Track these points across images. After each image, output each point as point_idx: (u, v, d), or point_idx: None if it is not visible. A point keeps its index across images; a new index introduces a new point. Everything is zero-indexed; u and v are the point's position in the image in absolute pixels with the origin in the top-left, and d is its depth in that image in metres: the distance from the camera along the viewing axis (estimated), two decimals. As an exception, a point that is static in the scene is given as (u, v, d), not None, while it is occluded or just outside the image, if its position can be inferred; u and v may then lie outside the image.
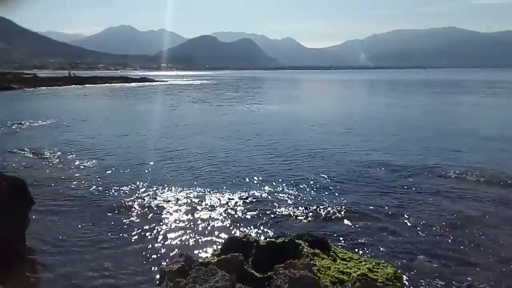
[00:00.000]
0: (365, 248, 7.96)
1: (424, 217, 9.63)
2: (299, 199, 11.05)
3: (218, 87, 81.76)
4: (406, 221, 9.43)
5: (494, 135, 21.47)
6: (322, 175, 13.45)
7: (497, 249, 7.94)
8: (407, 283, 6.46)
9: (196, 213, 9.97)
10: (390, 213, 9.96)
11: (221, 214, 9.91)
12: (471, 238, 8.45)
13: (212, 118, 30.32)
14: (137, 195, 11.38)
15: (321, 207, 10.38)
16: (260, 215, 9.85)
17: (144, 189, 11.95)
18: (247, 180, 12.97)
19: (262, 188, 12.08)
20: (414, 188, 12.02)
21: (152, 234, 8.75)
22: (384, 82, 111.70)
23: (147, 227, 9.08)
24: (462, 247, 8.07)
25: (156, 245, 8.22)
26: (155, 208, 10.31)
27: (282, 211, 10.07)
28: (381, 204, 10.58)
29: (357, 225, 9.16)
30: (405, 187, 12.17)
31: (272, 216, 9.77)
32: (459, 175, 13.37)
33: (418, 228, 8.99)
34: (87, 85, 79.72)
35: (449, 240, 8.38)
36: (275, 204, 10.65)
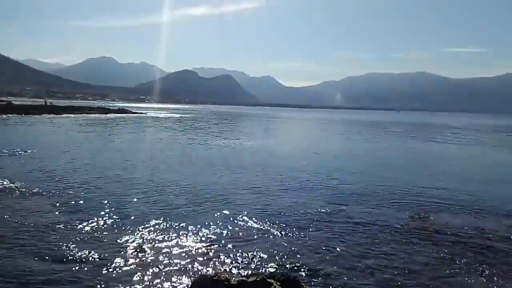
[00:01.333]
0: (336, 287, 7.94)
1: (392, 257, 9.72)
2: (272, 236, 10.99)
3: (196, 121, 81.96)
4: (379, 260, 9.49)
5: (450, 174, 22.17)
6: (295, 212, 13.49)
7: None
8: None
9: (165, 250, 9.76)
10: (363, 252, 10.01)
11: (191, 251, 9.73)
12: (441, 280, 8.57)
13: (187, 152, 30.20)
14: (99, 231, 11.00)
15: (294, 245, 10.35)
16: (233, 252, 9.72)
17: (108, 225, 11.56)
18: (218, 215, 12.86)
19: (234, 224, 11.98)
20: (385, 225, 12.16)
21: (115, 272, 8.44)
22: (357, 122, 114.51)
23: (109, 264, 8.78)
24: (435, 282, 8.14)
25: (125, 282, 7.95)
26: (117, 246, 9.97)
27: (254, 249, 9.98)
28: (354, 242, 10.64)
29: (330, 264, 9.15)
30: (377, 224, 12.31)
31: (245, 253, 9.66)
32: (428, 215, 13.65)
33: (386, 268, 9.05)
34: (63, 114, 78.46)
35: (421, 280, 8.45)
36: (248, 241, 10.57)
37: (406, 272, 8.92)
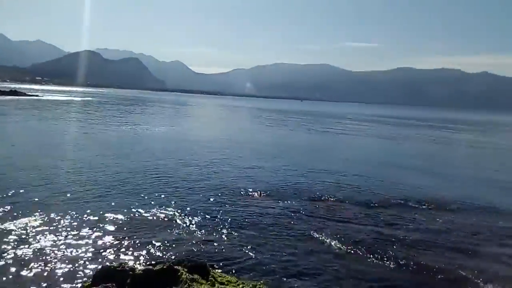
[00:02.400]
0: (244, 271, 8.16)
1: (293, 241, 10.28)
2: (179, 223, 10.89)
3: (101, 105, 77.10)
4: (278, 244, 9.95)
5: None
6: (202, 198, 13.52)
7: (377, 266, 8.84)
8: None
9: (65, 240, 9.13)
10: (267, 235, 10.41)
11: (94, 242, 9.24)
12: (337, 258, 9.27)
13: (91, 138, 28.36)
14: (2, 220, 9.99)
15: (202, 231, 10.39)
16: (139, 241, 9.44)
17: (9, 212, 10.56)
18: (123, 202, 12.37)
19: (139, 213, 11.62)
20: (287, 210, 12.78)
21: (17, 264, 7.72)
22: (265, 110, 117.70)
23: (12, 257, 8.00)
24: (327, 268, 8.78)
25: (22, 277, 7.28)
26: (21, 236, 9.15)
27: (162, 236, 9.80)
28: (260, 226, 11.01)
29: (237, 248, 9.36)
30: (280, 207, 12.88)
31: (152, 241, 9.43)
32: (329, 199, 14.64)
33: (291, 251, 9.55)
34: None
35: (318, 262, 9.06)
36: (155, 229, 10.34)
37: (315, 253, 9.50)
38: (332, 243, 10.16)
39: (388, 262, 9.16)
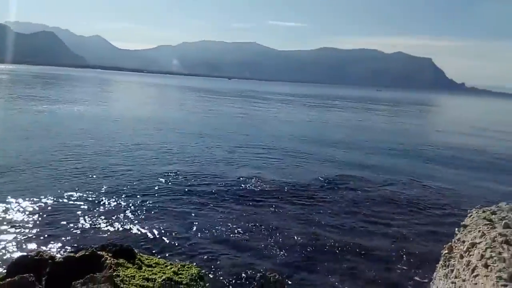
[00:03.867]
0: (172, 252, 8.09)
1: (220, 221, 10.38)
2: (103, 208, 10.44)
3: (12, 83, 70.25)
4: (207, 224, 9.99)
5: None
6: (125, 182, 13.05)
7: (290, 239, 9.17)
8: (210, 281, 6.83)
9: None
10: (194, 214, 10.38)
11: (9, 230, 8.53)
12: (266, 235, 9.53)
13: (3, 119, 25.88)
14: None
15: (127, 214, 10.07)
16: (59, 228, 8.89)
17: None
18: (41, 187, 11.53)
19: (58, 196, 10.92)
20: (208, 191, 12.84)
21: None
22: (194, 89, 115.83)
23: None
24: (255, 246, 8.99)
25: None
26: None
27: (85, 222, 9.33)
28: (186, 209, 10.93)
29: (164, 231, 9.21)
30: (203, 186, 12.89)
31: (74, 228, 8.95)
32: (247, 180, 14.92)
33: (218, 230, 9.63)
34: None
35: (246, 240, 9.24)
36: (77, 214, 9.80)
37: (239, 230, 9.64)
38: (266, 223, 10.38)
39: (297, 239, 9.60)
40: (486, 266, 2.94)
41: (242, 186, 13.46)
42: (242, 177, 14.60)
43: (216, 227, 9.66)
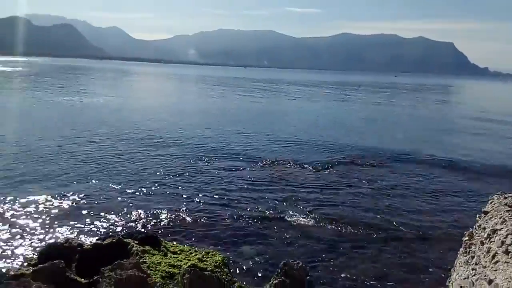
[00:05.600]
0: (196, 239, 8.29)
1: (243, 209, 10.52)
2: (128, 197, 10.72)
3: (36, 76, 71.66)
4: (230, 212, 10.15)
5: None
6: (150, 171, 13.33)
7: (313, 227, 9.27)
8: (233, 268, 6.99)
9: (7, 223, 8.69)
10: (217, 204, 10.56)
11: (39, 219, 8.87)
12: (285, 225, 9.64)
13: (27, 110, 26.57)
14: None
15: (152, 202, 10.33)
16: (87, 217, 9.20)
17: None
18: (68, 177, 11.90)
19: (86, 186, 11.26)
20: (237, 178, 12.98)
21: None
22: (210, 78, 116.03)
23: None
24: (277, 233, 9.10)
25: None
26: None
27: (111, 210, 9.62)
28: (209, 196, 11.12)
29: (188, 219, 9.42)
30: (229, 174, 13.05)
31: (101, 217, 9.24)
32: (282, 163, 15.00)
33: (241, 218, 9.78)
34: None
35: (269, 228, 9.37)
36: (103, 204, 10.10)
37: (259, 221, 9.78)
38: (287, 210, 10.49)
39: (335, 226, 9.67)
40: (507, 252, 2.97)
41: (267, 176, 13.57)
42: (269, 165, 14.72)
43: (241, 215, 9.81)
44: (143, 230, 8.14)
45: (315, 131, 23.52)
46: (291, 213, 10.12)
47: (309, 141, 20.17)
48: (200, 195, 11.14)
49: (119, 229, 8.55)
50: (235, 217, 9.72)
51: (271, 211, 10.21)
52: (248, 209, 10.28)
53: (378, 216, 10.24)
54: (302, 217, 9.85)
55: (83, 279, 4.79)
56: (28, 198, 10.05)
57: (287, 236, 8.79)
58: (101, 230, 8.55)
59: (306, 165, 15.00)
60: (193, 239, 8.34)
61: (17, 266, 6.44)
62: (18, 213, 9.15)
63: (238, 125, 24.74)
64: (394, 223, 9.81)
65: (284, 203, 10.86)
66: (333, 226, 9.39)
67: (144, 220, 9.23)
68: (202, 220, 9.39)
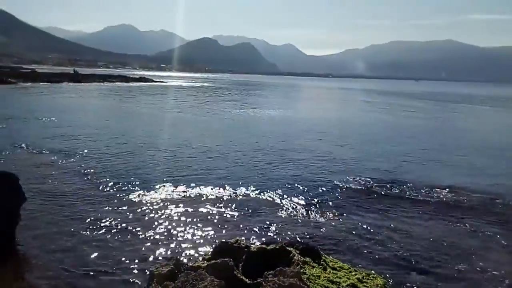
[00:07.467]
0: (356, 258, 7.97)
1: (414, 230, 9.67)
2: (291, 206, 11.07)
3: (218, 90, 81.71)
4: (396, 233, 9.47)
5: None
6: (315, 183, 13.50)
7: (485, 265, 7.99)
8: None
9: (189, 216, 9.97)
10: (380, 224, 10.00)
11: (214, 218, 9.91)
12: (460, 253, 8.50)
13: (210, 121, 30.34)
14: (130, 194, 11.38)
15: (313, 215, 10.42)
16: (253, 220, 9.86)
17: (137, 188, 11.95)
18: (241, 184, 12.97)
19: (255, 193, 12.08)
20: (404, 200, 12.08)
21: (146, 235, 8.71)
22: (377, 92, 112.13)
23: (139, 228, 9.06)
24: (449, 261, 8.09)
25: (148, 246, 8.19)
26: (149, 209, 10.30)
27: (274, 217, 10.09)
28: (372, 215, 10.63)
29: (348, 235, 9.18)
30: (394, 197, 12.23)
31: (264, 222, 9.77)
32: (450, 188, 13.45)
33: (407, 240, 9.02)
34: (85, 83, 79.23)
35: (438, 254, 8.40)
36: (267, 210, 10.67)
37: (429, 246, 8.89)
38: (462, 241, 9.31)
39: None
40: None
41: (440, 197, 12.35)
42: (436, 186, 13.42)
43: (412, 236, 9.10)
44: (303, 240, 8.25)
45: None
46: (466, 246, 8.87)
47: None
48: (361, 213, 10.74)
49: (280, 236, 8.86)
50: (398, 238, 9.03)
51: (439, 237, 9.14)
52: (414, 232, 9.43)
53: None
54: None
55: (247, 280, 5.08)
56: (205, 200, 11.34)
57: (460, 269, 7.72)
58: (264, 234, 9.01)
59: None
60: (353, 256, 8.04)
61: (195, 259, 7.26)
62: (198, 212, 10.39)
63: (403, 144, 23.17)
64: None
65: (456, 235, 9.60)
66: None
67: (305, 230, 9.35)
68: (363, 238, 9.01)
